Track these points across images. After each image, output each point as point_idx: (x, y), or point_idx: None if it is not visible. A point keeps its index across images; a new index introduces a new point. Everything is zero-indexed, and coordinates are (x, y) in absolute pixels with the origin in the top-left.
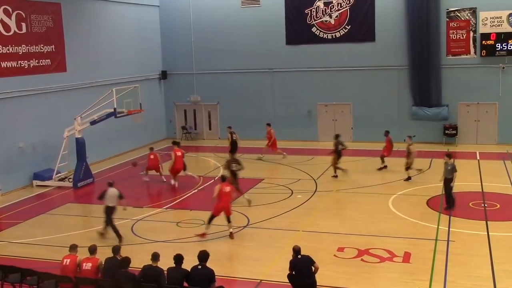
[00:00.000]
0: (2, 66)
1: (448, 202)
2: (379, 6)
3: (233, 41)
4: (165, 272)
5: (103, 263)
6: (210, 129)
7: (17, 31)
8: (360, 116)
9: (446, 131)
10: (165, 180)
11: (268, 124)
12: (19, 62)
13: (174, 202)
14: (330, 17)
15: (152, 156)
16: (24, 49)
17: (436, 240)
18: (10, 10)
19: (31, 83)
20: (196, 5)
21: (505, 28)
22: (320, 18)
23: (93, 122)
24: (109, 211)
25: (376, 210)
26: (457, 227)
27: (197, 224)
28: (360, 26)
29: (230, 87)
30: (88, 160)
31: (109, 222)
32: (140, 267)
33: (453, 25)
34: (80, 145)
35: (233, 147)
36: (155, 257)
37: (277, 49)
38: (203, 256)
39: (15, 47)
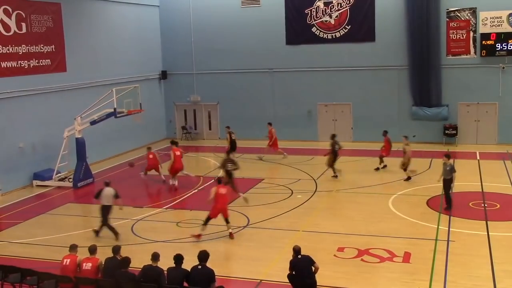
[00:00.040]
0: (2, 66)
1: (448, 202)
2: (379, 6)
3: (233, 41)
4: (165, 272)
5: (103, 263)
6: (210, 129)
7: (17, 31)
8: (360, 116)
9: (446, 131)
10: (165, 179)
11: (269, 124)
12: (19, 62)
13: (174, 202)
14: (330, 17)
15: (151, 156)
16: (24, 49)
17: (436, 240)
18: (10, 10)
19: (31, 83)
20: (196, 5)
21: (505, 28)
22: (320, 18)
23: (93, 122)
24: (105, 210)
25: (376, 210)
26: (457, 227)
27: (197, 224)
28: (360, 26)
29: (230, 87)
30: (88, 160)
31: (104, 221)
32: (140, 267)
33: (453, 25)
34: (80, 145)
35: (232, 147)
36: (155, 257)
37: (277, 49)
38: (203, 256)
39: (15, 47)
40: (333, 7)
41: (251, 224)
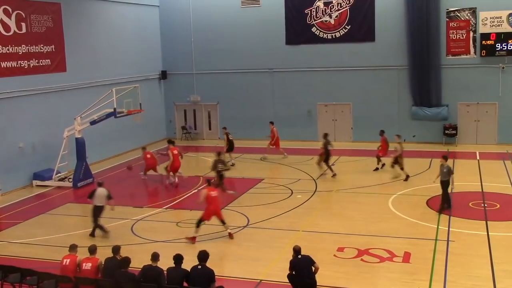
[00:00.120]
0: (2, 66)
1: (448, 202)
2: (379, 6)
3: (233, 41)
4: (165, 272)
5: (103, 263)
6: (210, 129)
7: (17, 31)
8: (360, 116)
9: (446, 131)
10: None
11: (271, 123)
12: (19, 62)
13: (174, 202)
14: (330, 17)
15: (148, 156)
16: (24, 49)
17: (436, 240)
18: (10, 10)
19: (31, 83)
20: (196, 5)
21: (505, 28)
22: (320, 18)
23: (93, 122)
24: (98, 211)
25: (376, 210)
26: (457, 227)
27: (201, 224)
28: (360, 26)
29: (230, 87)
30: (88, 160)
31: (94, 221)
32: (140, 267)
33: (453, 25)
34: (80, 145)
35: (230, 147)
36: (155, 257)
37: (277, 49)
38: (203, 256)
39: (15, 47)
40: (333, 7)
41: (251, 224)
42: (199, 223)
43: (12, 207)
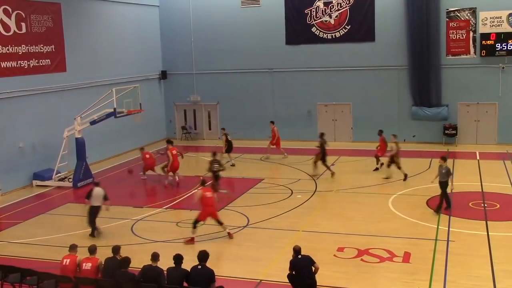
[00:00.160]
0: (2, 66)
1: (448, 202)
2: (379, 6)
3: (233, 41)
4: (165, 272)
5: (103, 263)
6: (210, 129)
7: (17, 31)
8: (360, 116)
9: (446, 131)
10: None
11: (272, 122)
12: (19, 62)
13: (174, 202)
14: (330, 17)
15: (147, 156)
16: (24, 49)
17: (436, 240)
18: (10, 10)
19: (31, 83)
20: (196, 5)
21: (505, 28)
22: (320, 18)
23: (93, 122)
24: (95, 211)
25: (376, 210)
26: (457, 227)
27: (197, 225)
28: (360, 26)
29: (230, 87)
30: (88, 160)
31: (89, 221)
32: (140, 267)
33: (453, 25)
34: (80, 145)
35: (229, 148)
36: (155, 257)
37: (277, 49)
38: (203, 256)
39: (15, 47)
40: (333, 7)
41: (251, 224)
42: (195, 224)
43: (12, 207)
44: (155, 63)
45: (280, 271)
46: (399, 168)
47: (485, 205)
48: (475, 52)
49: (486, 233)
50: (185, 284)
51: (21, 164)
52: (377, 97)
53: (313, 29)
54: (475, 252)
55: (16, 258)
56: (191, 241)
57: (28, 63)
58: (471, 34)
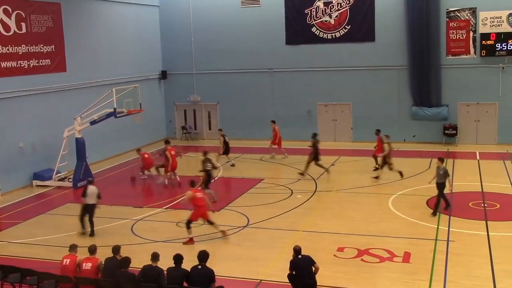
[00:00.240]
0: (2, 66)
1: (447, 202)
2: (379, 6)
3: (233, 41)
4: (165, 272)
5: (103, 263)
6: (210, 129)
7: (17, 31)
8: (360, 116)
9: (446, 131)
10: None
11: (273, 121)
12: (19, 62)
13: (174, 202)
14: (330, 17)
15: (146, 155)
16: (24, 49)
17: (436, 240)
18: (10, 10)
19: (31, 83)
20: (196, 5)
21: (505, 28)
22: (320, 18)
23: (93, 122)
24: (89, 209)
25: (376, 210)
26: (457, 227)
27: (197, 225)
28: (360, 26)
29: (230, 87)
30: (88, 160)
31: (89, 218)
32: (140, 267)
33: (453, 25)
34: (80, 145)
35: (227, 149)
36: (155, 257)
37: (277, 49)
38: (203, 256)
39: (15, 47)
40: (333, 7)
41: (251, 224)
42: (188, 225)
43: (12, 207)
44: (155, 63)
45: (280, 271)
46: (391, 169)
47: (485, 205)
48: (475, 52)
49: (486, 233)
50: (185, 284)
51: (21, 164)
52: (377, 97)
53: (313, 29)
54: (475, 252)
55: (16, 258)
56: (190, 241)
57: (28, 63)
58: (471, 34)
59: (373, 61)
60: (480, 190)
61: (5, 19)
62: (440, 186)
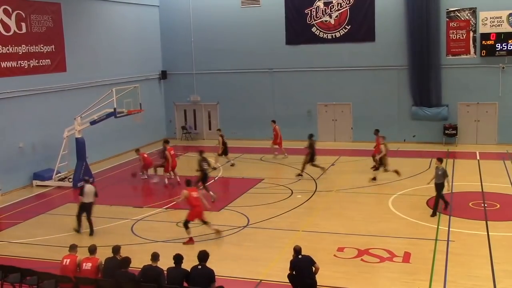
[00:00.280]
0: (2, 66)
1: (445, 202)
2: (379, 6)
3: (233, 41)
4: (165, 272)
5: (103, 263)
6: (210, 129)
7: (17, 31)
8: (360, 116)
9: (446, 131)
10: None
11: (273, 121)
12: (19, 62)
13: (174, 202)
14: (330, 17)
15: (146, 155)
16: (24, 49)
17: (436, 240)
18: (10, 10)
19: (31, 83)
20: (196, 5)
21: (505, 28)
22: (320, 18)
23: (93, 122)
24: (87, 207)
25: (376, 210)
26: (457, 227)
27: (197, 224)
28: (360, 26)
29: (230, 87)
30: (88, 160)
31: (87, 216)
32: (140, 267)
33: (453, 25)
34: (80, 145)
35: (225, 150)
36: (155, 257)
37: (277, 49)
38: (203, 256)
39: (15, 47)
40: (333, 7)
41: (251, 224)
42: (186, 225)
43: (12, 207)
44: (155, 63)
45: (280, 271)
46: (386, 171)
47: (485, 205)
48: (475, 52)
49: (486, 233)
50: (185, 284)
51: (21, 164)
52: (377, 97)
53: (313, 29)
54: (475, 252)
55: (16, 258)
56: (190, 241)
57: (28, 63)
58: (471, 34)
59: (373, 61)
60: (480, 190)
61: (5, 19)
62: (439, 186)
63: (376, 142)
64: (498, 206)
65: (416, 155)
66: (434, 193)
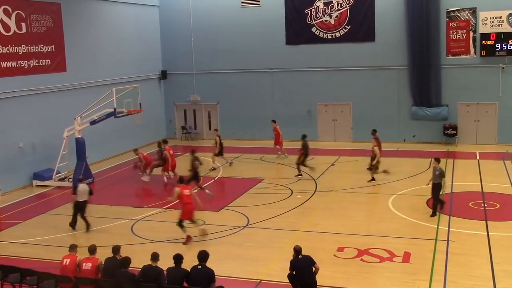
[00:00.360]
0: (2, 66)
1: (441, 203)
2: (379, 6)
3: (233, 41)
4: (165, 272)
5: (103, 263)
6: (210, 129)
7: (17, 31)
8: (360, 116)
9: (446, 131)
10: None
11: (274, 121)
12: (19, 62)
13: (174, 202)
14: (330, 17)
15: (145, 154)
16: (24, 49)
17: (436, 240)
18: (10, 10)
19: (31, 83)
20: (196, 5)
21: (505, 28)
22: (320, 18)
23: (93, 122)
24: (81, 206)
25: (376, 210)
26: (457, 227)
27: (197, 224)
28: (360, 26)
29: (230, 87)
30: (88, 160)
31: (81, 214)
32: (140, 267)
33: (453, 25)
34: (80, 145)
35: (221, 150)
36: (155, 257)
37: (277, 49)
38: (203, 256)
39: (15, 47)
40: (333, 7)
41: (251, 224)
42: (181, 224)
43: (12, 207)
44: (155, 63)
45: (280, 271)
46: (375, 168)
47: (485, 205)
48: (475, 52)
49: (486, 233)
50: (185, 284)
51: (21, 164)
52: (377, 97)
53: (313, 29)
54: (475, 252)
55: (16, 258)
56: (188, 239)
57: (28, 63)
58: (471, 34)
59: (373, 61)
60: (480, 190)
61: (5, 19)
62: (436, 186)
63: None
64: (498, 206)
65: (416, 155)
66: None
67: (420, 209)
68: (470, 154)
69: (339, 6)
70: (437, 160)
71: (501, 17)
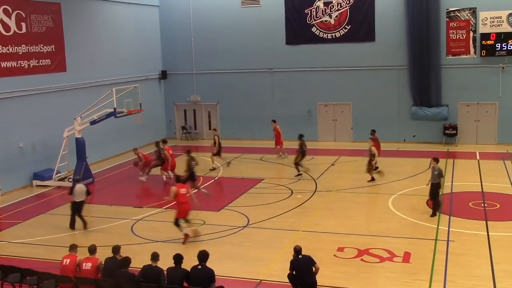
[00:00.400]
0: (2, 66)
1: (436, 206)
2: (379, 6)
3: (233, 41)
4: (165, 272)
5: (103, 263)
6: (210, 129)
7: (17, 31)
8: (360, 116)
9: (446, 131)
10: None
11: (274, 121)
12: (19, 62)
13: (174, 202)
14: (330, 17)
15: (145, 153)
16: (24, 49)
17: (436, 240)
18: (10, 10)
19: (31, 83)
20: (196, 5)
21: (505, 28)
22: (320, 18)
23: (93, 122)
24: (78, 206)
25: (376, 210)
26: (457, 227)
27: (197, 224)
28: (360, 26)
29: (230, 87)
30: (88, 160)
31: (78, 214)
32: (140, 267)
33: (453, 25)
34: (80, 145)
35: (219, 150)
36: (155, 257)
37: (277, 49)
38: (203, 256)
39: (15, 47)
40: (333, 7)
41: (251, 224)
42: (177, 223)
43: (12, 207)
44: (155, 63)
45: (280, 271)
46: (372, 169)
47: (485, 205)
48: (475, 52)
49: (486, 233)
50: (185, 284)
51: (21, 164)
52: (377, 97)
53: (313, 29)
54: (475, 252)
55: (16, 258)
56: (186, 238)
57: (28, 63)
58: (471, 34)
59: (373, 61)
60: (480, 190)
61: (5, 19)
62: (435, 186)
63: (374, 142)
64: (498, 206)
65: (416, 155)
66: None
67: (420, 209)
68: (470, 154)
69: (339, 6)
70: (436, 160)
71: (501, 17)
